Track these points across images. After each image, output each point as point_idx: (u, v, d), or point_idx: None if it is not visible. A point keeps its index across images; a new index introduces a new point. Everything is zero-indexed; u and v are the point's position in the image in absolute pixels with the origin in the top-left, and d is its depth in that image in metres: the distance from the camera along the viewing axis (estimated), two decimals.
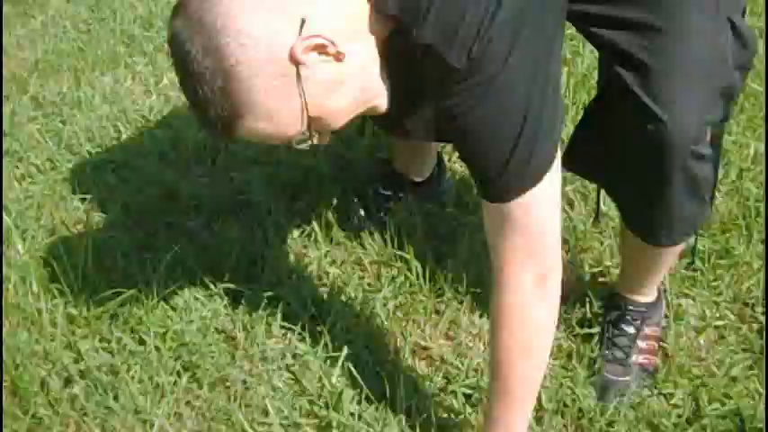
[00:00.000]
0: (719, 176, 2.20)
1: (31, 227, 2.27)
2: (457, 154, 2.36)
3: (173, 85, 2.76)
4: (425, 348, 1.94)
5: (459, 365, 1.88)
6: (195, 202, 2.32)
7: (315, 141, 1.28)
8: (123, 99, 2.71)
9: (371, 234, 2.16)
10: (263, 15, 1.17)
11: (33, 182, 2.45)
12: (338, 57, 1.22)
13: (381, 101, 1.34)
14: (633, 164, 1.47)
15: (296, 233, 2.20)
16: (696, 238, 1.77)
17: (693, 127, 1.39)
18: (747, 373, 1.81)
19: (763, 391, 1.76)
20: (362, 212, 2.19)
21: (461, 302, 2.01)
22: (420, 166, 2.24)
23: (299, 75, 1.19)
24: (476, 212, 2.20)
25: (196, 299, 2.05)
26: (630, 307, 1.85)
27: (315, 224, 2.19)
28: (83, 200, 2.34)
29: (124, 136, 2.58)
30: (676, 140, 1.38)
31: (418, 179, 2.25)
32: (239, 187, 2.36)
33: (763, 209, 2.13)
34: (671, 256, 1.74)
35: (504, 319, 1.43)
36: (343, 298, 2.02)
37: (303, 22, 1.18)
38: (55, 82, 2.83)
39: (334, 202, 2.24)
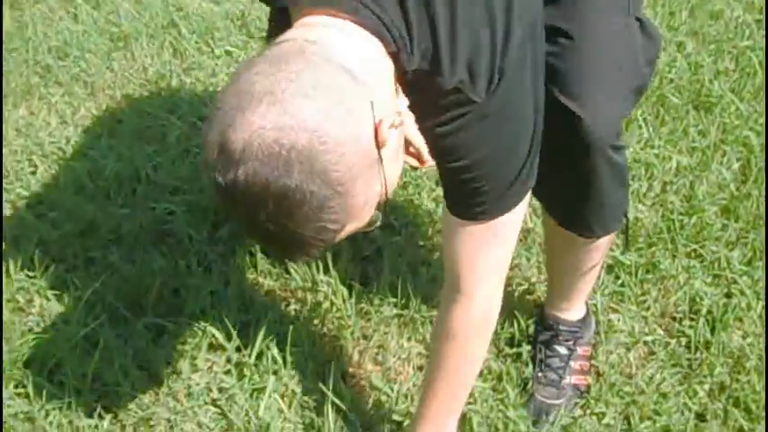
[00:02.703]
0: (643, 190, 2.22)
1: None
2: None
3: (90, 115, 2.69)
4: (353, 375, 1.91)
5: (389, 392, 1.85)
6: (115, 235, 2.26)
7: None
8: (39, 132, 2.63)
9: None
10: (342, 117, 1.05)
11: None
12: (401, 123, 1.15)
13: None
14: (560, 162, 1.48)
15: (219, 262, 2.16)
16: (627, 220, 1.70)
17: (613, 123, 1.46)
18: (677, 388, 1.81)
19: (692, 405, 1.77)
20: None
21: (389, 326, 1.98)
22: None
23: (380, 158, 1.10)
24: (399, 233, 2.18)
25: (118, 336, 1.99)
26: (562, 327, 1.84)
27: (239, 252, 2.15)
28: None
29: (40, 170, 2.50)
30: (599, 136, 1.44)
31: None
32: (161, 217, 2.30)
33: (687, 221, 2.14)
34: (600, 255, 1.72)
35: (473, 329, 1.50)
36: (268, 327, 1.97)
37: (372, 104, 1.08)
38: None
39: None
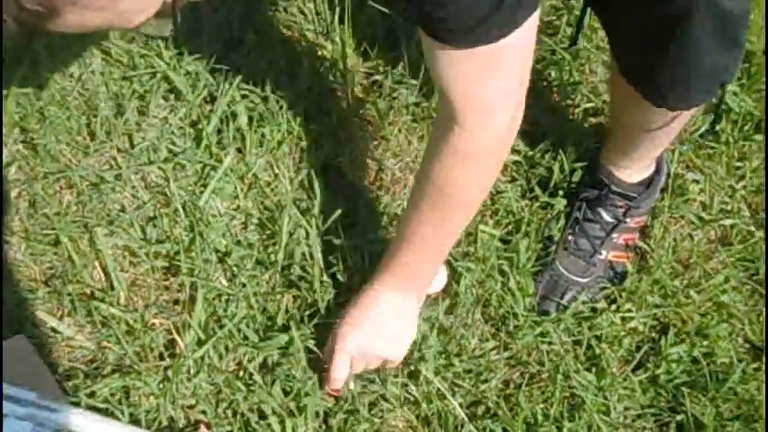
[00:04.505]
0: None
1: None
2: None
3: None
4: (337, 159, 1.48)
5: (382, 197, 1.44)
6: None
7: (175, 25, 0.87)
8: None
9: None
10: None
11: None
12: None
13: None
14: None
15: None
16: (723, 94, 1.22)
17: None
18: (738, 306, 1.34)
19: (752, 336, 1.32)
20: None
21: (399, 114, 1.52)
22: None
23: None
24: None
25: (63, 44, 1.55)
26: (615, 188, 1.38)
27: None
28: None
29: None
30: None
31: None
32: None
33: None
34: (680, 123, 1.25)
35: (474, 160, 1.10)
36: (243, 82, 1.51)
37: None
38: None
39: None
